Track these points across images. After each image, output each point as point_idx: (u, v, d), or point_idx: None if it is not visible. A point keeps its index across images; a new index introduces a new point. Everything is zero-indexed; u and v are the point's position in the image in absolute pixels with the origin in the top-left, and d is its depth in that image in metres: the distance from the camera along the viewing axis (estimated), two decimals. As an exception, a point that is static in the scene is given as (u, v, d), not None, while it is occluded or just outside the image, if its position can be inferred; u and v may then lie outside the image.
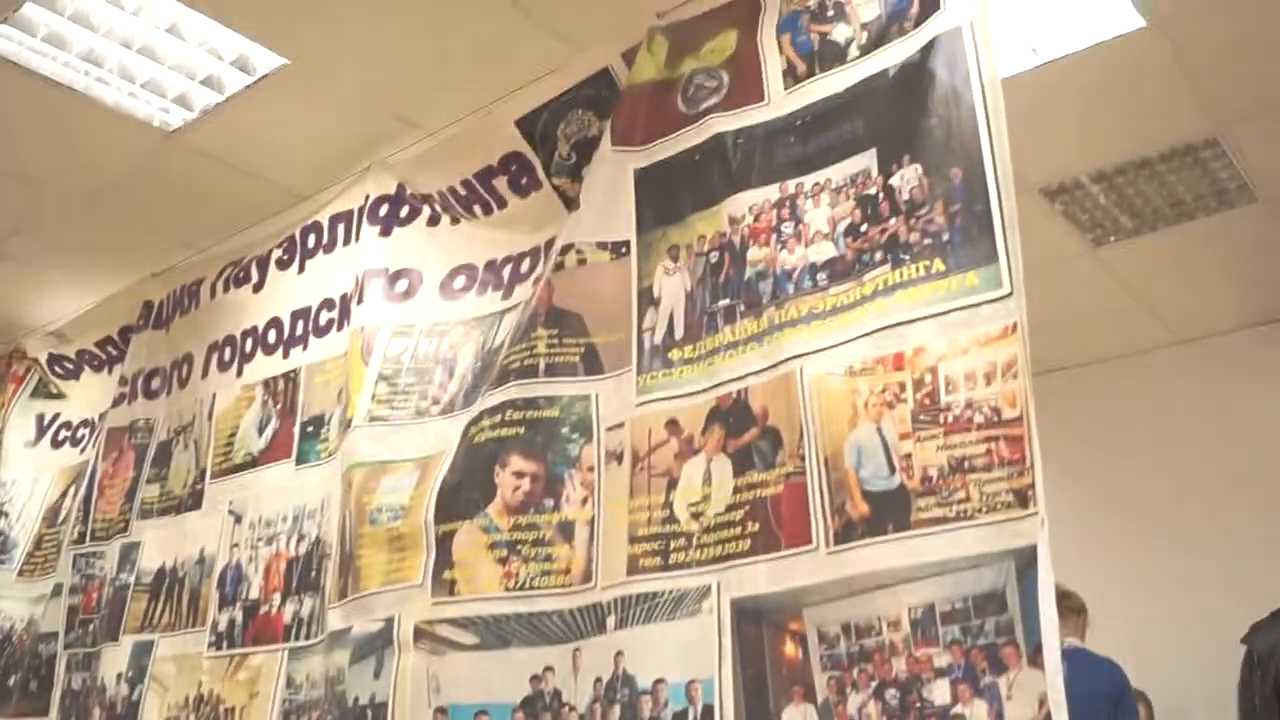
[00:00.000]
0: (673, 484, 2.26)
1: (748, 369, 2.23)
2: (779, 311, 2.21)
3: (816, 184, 2.25)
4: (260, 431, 3.21)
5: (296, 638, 2.83)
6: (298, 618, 2.86)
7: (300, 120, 3.23)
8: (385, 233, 3.04)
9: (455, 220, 3.00)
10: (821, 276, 2.19)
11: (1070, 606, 3.54)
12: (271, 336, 3.35)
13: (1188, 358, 4.68)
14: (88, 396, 4.08)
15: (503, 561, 2.41)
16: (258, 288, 3.45)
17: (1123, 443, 4.66)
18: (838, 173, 2.23)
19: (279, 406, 3.20)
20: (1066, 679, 3.18)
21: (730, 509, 2.15)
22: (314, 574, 2.85)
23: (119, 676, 3.28)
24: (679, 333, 2.39)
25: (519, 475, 2.45)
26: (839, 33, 2.30)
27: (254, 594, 3.00)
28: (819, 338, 2.13)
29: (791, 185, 2.29)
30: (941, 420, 1.95)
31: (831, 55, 2.30)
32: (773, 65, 2.40)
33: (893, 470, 1.97)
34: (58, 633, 3.62)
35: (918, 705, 1.86)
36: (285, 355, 3.29)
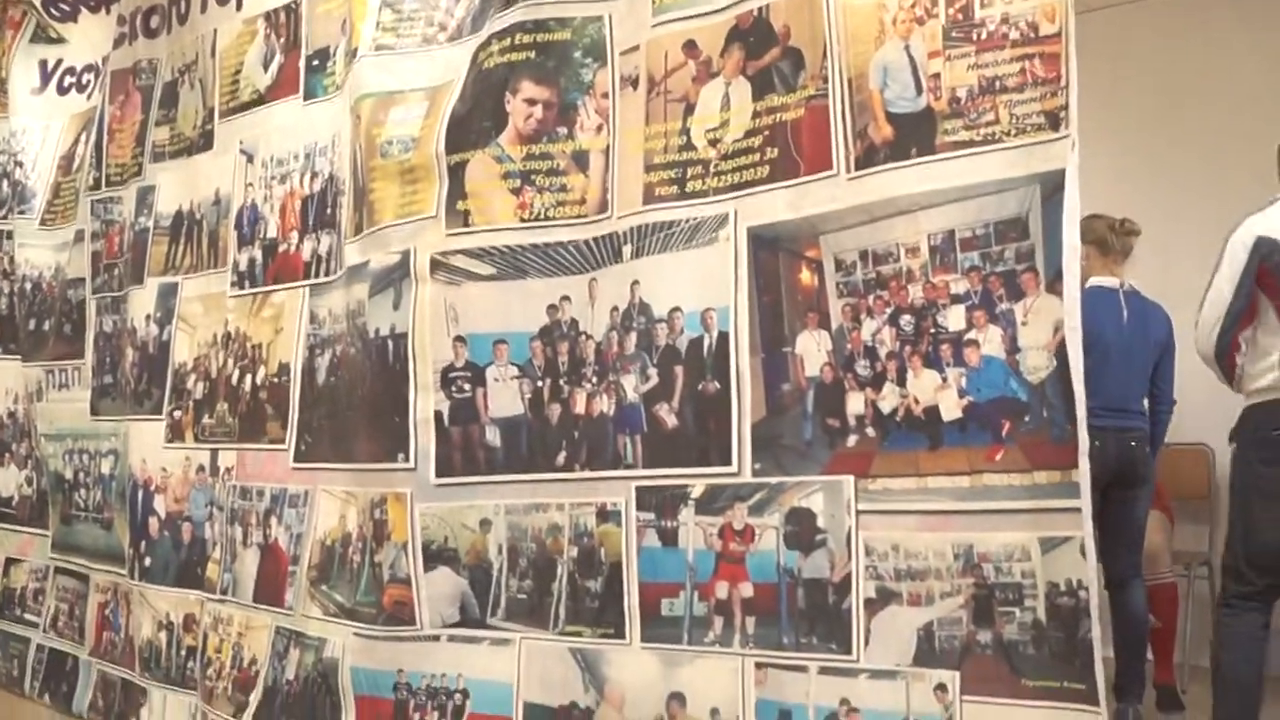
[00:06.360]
0: (690, 109, 2.18)
1: (770, -17, 2.09)
2: (804, -82, 2.05)
3: None
4: (265, 67, 3.08)
5: (316, 274, 2.84)
6: (316, 255, 2.85)
7: None
8: None
9: None
10: (850, -122, 2.01)
11: (1128, 245, 3.48)
12: (269, -35, 3.14)
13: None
14: (89, 39, 3.91)
15: (516, 192, 2.37)
16: (250, -87, 3.22)
17: (1166, 78, 4.49)
18: None
19: (282, 40, 3.04)
20: (1127, 322, 3.24)
21: (749, 134, 2.09)
22: (329, 211, 2.81)
23: (147, 318, 3.34)
24: (697, -57, 2.23)
25: (531, 102, 2.37)
26: None
27: (271, 233, 2.98)
28: (846, -54, 1.98)
29: None
30: (974, 37, 1.85)
31: None
32: None
33: (919, 91, 1.89)
34: (84, 278, 3.66)
35: (931, 331, 1.88)
36: (285, -15, 3.10)
